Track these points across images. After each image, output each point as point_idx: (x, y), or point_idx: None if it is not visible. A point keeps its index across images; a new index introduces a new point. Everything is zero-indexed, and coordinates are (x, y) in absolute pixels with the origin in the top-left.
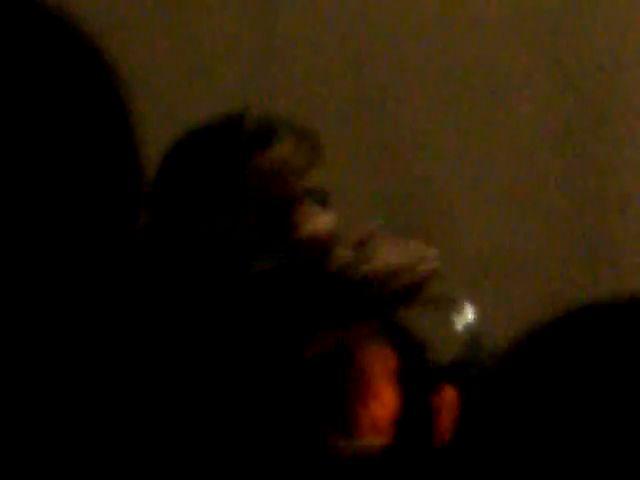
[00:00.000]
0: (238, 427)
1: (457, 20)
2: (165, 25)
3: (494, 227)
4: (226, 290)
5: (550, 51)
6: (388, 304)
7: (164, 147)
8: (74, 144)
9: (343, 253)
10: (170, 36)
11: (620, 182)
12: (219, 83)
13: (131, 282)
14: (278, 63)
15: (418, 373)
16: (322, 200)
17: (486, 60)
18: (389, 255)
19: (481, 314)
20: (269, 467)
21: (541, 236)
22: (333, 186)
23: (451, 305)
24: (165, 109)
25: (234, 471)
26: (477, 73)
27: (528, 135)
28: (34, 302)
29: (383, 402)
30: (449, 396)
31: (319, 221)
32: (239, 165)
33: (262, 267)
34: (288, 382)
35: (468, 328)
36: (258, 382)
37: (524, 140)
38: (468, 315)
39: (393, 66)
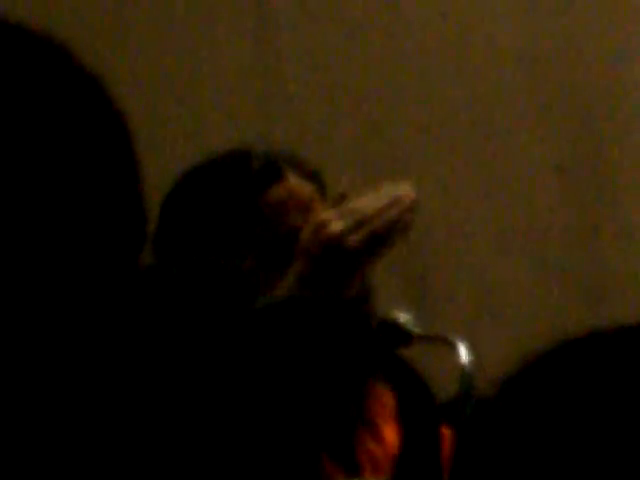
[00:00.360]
0: (237, 463)
1: (458, 50)
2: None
3: (490, 265)
4: (230, 326)
5: (549, 82)
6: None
7: (163, 180)
8: (76, 174)
9: (326, 215)
10: (168, 61)
11: (617, 215)
12: (219, 104)
13: (134, 316)
14: (277, 83)
15: (418, 412)
16: None
17: (485, 91)
18: (366, 203)
19: (477, 354)
20: None
21: (537, 274)
22: None
23: (446, 346)
24: (162, 138)
25: None
26: (476, 104)
27: (524, 170)
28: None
29: (383, 441)
30: (444, 435)
31: None
32: (246, 201)
33: (266, 303)
34: (289, 415)
35: (463, 368)
36: (258, 415)
37: (520, 175)
38: (463, 355)
39: (393, 97)
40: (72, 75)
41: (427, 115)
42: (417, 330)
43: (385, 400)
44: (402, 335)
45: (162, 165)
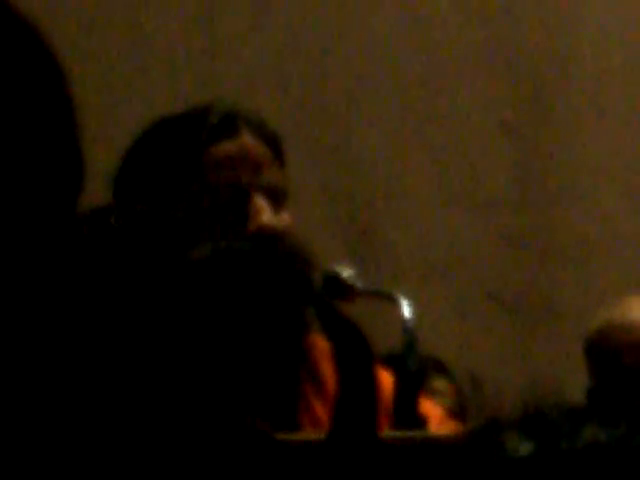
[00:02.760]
0: (172, 416)
1: (406, 7)
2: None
3: (434, 222)
4: (166, 277)
5: (494, 40)
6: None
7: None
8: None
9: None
10: (118, 34)
11: (561, 172)
12: (164, 80)
13: (80, 268)
14: (222, 61)
15: (355, 360)
16: (279, 199)
17: (432, 48)
18: None
19: (419, 310)
20: (202, 457)
21: (482, 231)
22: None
23: (389, 300)
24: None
25: (170, 460)
26: (422, 61)
27: (469, 126)
28: None
29: (325, 393)
30: (386, 382)
31: (274, 217)
32: (199, 153)
33: (202, 253)
34: (228, 370)
35: (405, 323)
36: (192, 369)
37: (465, 131)
38: (405, 311)
39: (339, 49)
40: (7, 22)
41: (373, 70)
42: (359, 285)
43: (322, 348)
44: (344, 289)
45: (112, 121)
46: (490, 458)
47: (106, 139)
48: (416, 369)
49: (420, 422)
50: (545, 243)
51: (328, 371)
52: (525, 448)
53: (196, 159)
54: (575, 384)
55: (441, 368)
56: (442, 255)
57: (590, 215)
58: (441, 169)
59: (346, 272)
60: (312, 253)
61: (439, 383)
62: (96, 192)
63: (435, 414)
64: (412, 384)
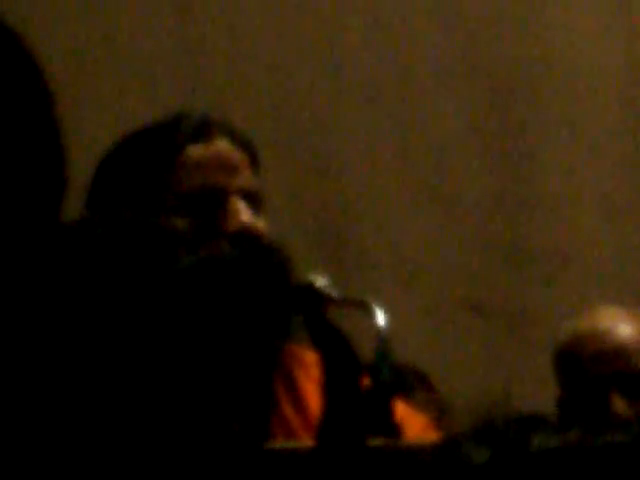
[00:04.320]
0: (163, 425)
1: (377, 9)
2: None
3: (405, 227)
4: (152, 285)
5: (467, 43)
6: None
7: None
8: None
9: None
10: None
11: (533, 177)
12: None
13: (57, 274)
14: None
15: (343, 371)
16: (256, 202)
17: (404, 50)
18: None
19: (392, 318)
20: (199, 467)
21: (454, 236)
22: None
23: (362, 308)
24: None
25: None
26: (394, 62)
27: (440, 130)
28: None
29: (305, 406)
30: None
31: (250, 218)
32: (173, 158)
33: (189, 261)
34: (215, 383)
35: (379, 332)
36: (181, 381)
37: (436, 135)
38: (379, 319)
39: (309, 53)
40: None
41: (346, 75)
42: (333, 293)
43: (308, 361)
44: (319, 298)
45: (85, 132)
46: (449, 467)
47: (82, 149)
48: (390, 378)
49: (394, 431)
50: (519, 249)
51: (306, 382)
52: (481, 455)
53: (170, 164)
54: (548, 391)
55: (423, 380)
56: (415, 260)
57: (564, 222)
58: (415, 175)
59: (320, 280)
60: (289, 257)
61: (421, 396)
62: (71, 203)
63: (416, 423)
64: (386, 393)
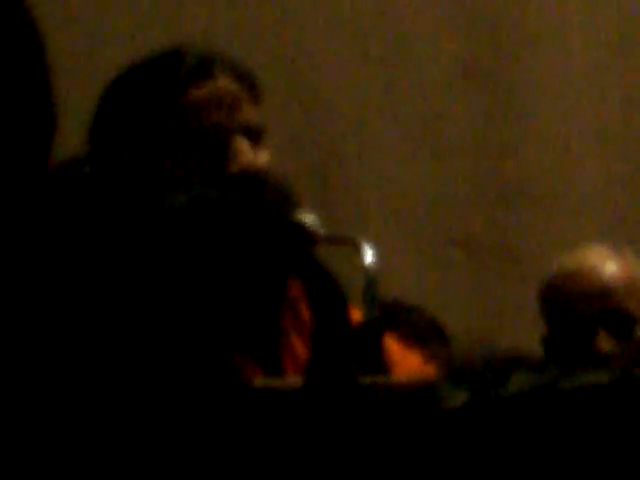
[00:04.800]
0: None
1: None
2: None
3: (395, 171)
4: (142, 225)
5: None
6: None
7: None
8: None
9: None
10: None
11: (525, 122)
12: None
13: (63, 216)
14: None
15: (327, 303)
16: (257, 137)
17: (395, 5)
18: None
19: (381, 257)
20: (182, 399)
21: (443, 180)
22: None
23: (351, 246)
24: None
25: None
26: (383, 8)
27: (431, 76)
28: None
29: (305, 333)
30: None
31: (254, 156)
32: (176, 96)
33: (177, 201)
34: (209, 317)
35: (367, 269)
36: (175, 317)
37: (427, 81)
38: (368, 257)
39: (313, 11)
40: None
41: (336, 21)
42: (322, 231)
43: (300, 296)
44: (308, 235)
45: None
46: (425, 409)
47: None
48: (379, 314)
49: (383, 369)
50: (507, 187)
51: (306, 310)
52: (457, 398)
53: (174, 102)
54: (537, 328)
55: (439, 331)
56: (404, 198)
57: (555, 159)
58: (403, 113)
59: (309, 218)
60: (292, 191)
61: (435, 348)
62: (72, 138)
63: (411, 361)
64: (374, 330)
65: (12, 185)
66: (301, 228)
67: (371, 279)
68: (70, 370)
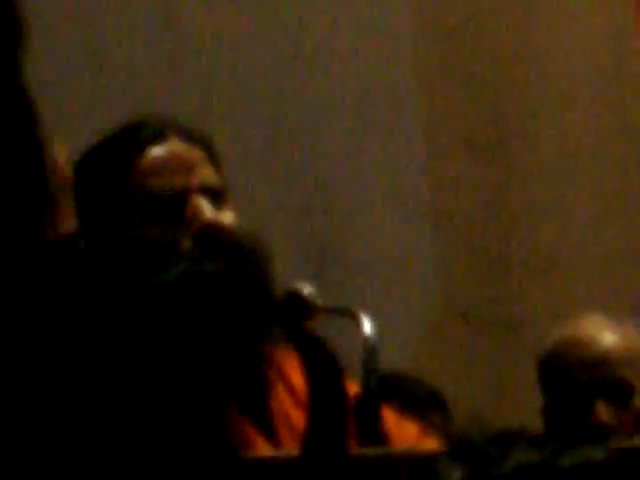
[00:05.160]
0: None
1: (372, 38)
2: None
3: (393, 238)
4: (131, 300)
5: (455, 64)
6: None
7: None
8: None
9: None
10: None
11: (524, 185)
12: (128, 84)
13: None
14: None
15: (326, 377)
16: (219, 197)
17: (396, 70)
18: None
19: (381, 324)
20: (180, 463)
21: (441, 246)
22: (241, 189)
23: (350, 317)
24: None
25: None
26: (386, 81)
27: (431, 143)
28: None
29: (300, 400)
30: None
31: (215, 215)
32: (131, 164)
33: (168, 277)
34: (204, 382)
35: (366, 340)
36: (170, 385)
37: (427, 148)
38: (366, 327)
39: (307, 76)
40: None
41: (332, 84)
42: (320, 302)
43: (295, 361)
44: (306, 307)
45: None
46: None
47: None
48: (378, 386)
49: (381, 440)
50: (506, 257)
51: (300, 381)
52: (453, 473)
53: (129, 170)
54: (535, 398)
55: (438, 401)
56: (402, 268)
57: (554, 229)
58: (402, 184)
59: (307, 289)
60: (267, 253)
61: (434, 417)
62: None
63: (409, 431)
64: (373, 401)
65: (9, 260)
66: (299, 299)
67: (370, 350)
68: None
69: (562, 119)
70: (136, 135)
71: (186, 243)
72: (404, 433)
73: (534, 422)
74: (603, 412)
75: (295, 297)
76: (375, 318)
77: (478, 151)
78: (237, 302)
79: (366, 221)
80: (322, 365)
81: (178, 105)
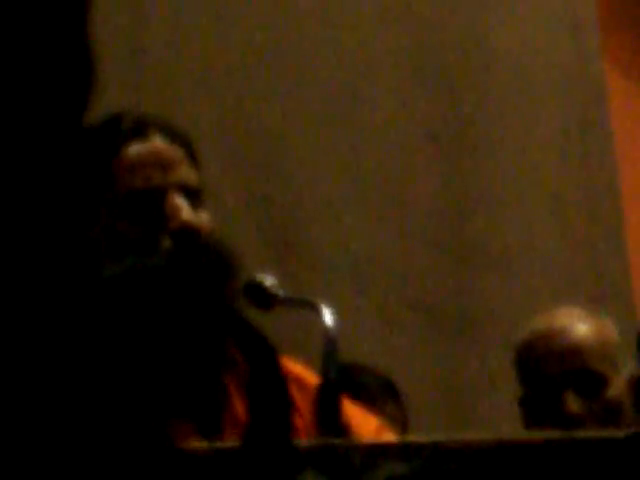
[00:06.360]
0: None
1: (324, 16)
2: None
3: (356, 233)
4: (81, 293)
5: (418, 53)
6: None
7: None
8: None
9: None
10: None
11: (486, 184)
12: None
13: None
14: (147, 62)
15: (267, 377)
16: (196, 197)
17: (353, 59)
18: None
19: (340, 320)
20: (119, 462)
21: (404, 242)
22: (206, 185)
23: (311, 308)
24: None
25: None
26: (345, 72)
27: (394, 138)
28: None
29: (242, 400)
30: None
31: (188, 214)
32: (110, 160)
33: (115, 270)
34: (146, 382)
35: (327, 332)
36: (112, 383)
37: (390, 143)
38: (327, 319)
39: (273, 73)
40: None
41: (297, 79)
42: (282, 293)
43: (237, 365)
44: (267, 297)
45: None
46: None
47: None
48: (338, 377)
49: (341, 431)
50: (467, 250)
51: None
52: None
53: (108, 166)
54: (497, 390)
55: (391, 390)
56: (364, 262)
57: (512, 223)
58: (364, 176)
59: (269, 280)
60: (235, 254)
61: (387, 406)
62: None
63: (369, 423)
64: (333, 392)
65: None
66: (261, 290)
67: (330, 341)
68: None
69: (521, 111)
70: (117, 129)
71: (165, 241)
72: (364, 425)
73: (491, 413)
74: (572, 403)
75: (256, 288)
76: (335, 310)
77: (438, 143)
78: (189, 296)
79: (327, 214)
80: (260, 355)
81: (140, 100)
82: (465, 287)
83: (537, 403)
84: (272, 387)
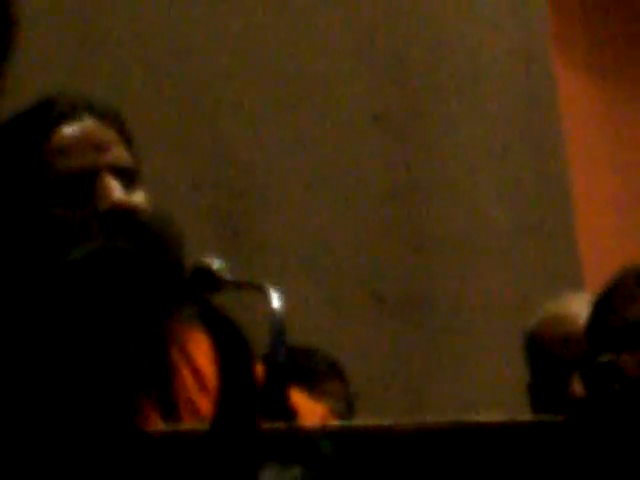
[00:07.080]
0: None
1: (284, 16)
2: None
3: (304, 215)
4: (40, 278)
5: (366, 34)
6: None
7: None
8: None
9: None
10: None
11: (434, 165)
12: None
13: None
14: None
15: (234, 355)
16: (130, 178)
17: (302, 38)
18: None
19: (288, 303)
20: (80, 447)
21: (353, 224)
22: (154, 169)
23: (258, 291)
24: None
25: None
26: (293, 52)
27: (341, 119)
28: None
29: (206, 385)
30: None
31: (125, 195)
32: (42, 141)
33: (76, 255)
34: (107, 365)
35: (274, 314)
36: (74, 365)
37: (337, 124)
38: (274, 302)
39: (220, 56)
40: None
41: (245, 61)
42: (229, 276)
43: (198, 337)
44: (214, 281)
45: None
46: None
47: None
48: (285, 361)
49: (289, 415)
50: (418, 236)
51: (206, 364)
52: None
53: (39, 148)
54: (447, 379)
55: (335, 370)
56: (314, 246)
57: (463, 206)
58: (314, 161)
59: (216, 264)
60: (178, 234)
61: (332, 386)
62: None
63: (315, 410)
64: (280, 376)
65: None
66: (208, 273)
67: (278, 324)
68: None
69: (472, 95)
70: (48, 112)
71: (94, 223)
72: (310, 411)
73: (444, 400)
74: (579, 387)
75: (203, 271)
76: (285, 294)
77: (389, 128)
78: (143, 281)
79: (279, 199)
80: (233, 345)
81: (90, 85)
82: (416, 271)
83: (546, 388)
84: (245, 385)
